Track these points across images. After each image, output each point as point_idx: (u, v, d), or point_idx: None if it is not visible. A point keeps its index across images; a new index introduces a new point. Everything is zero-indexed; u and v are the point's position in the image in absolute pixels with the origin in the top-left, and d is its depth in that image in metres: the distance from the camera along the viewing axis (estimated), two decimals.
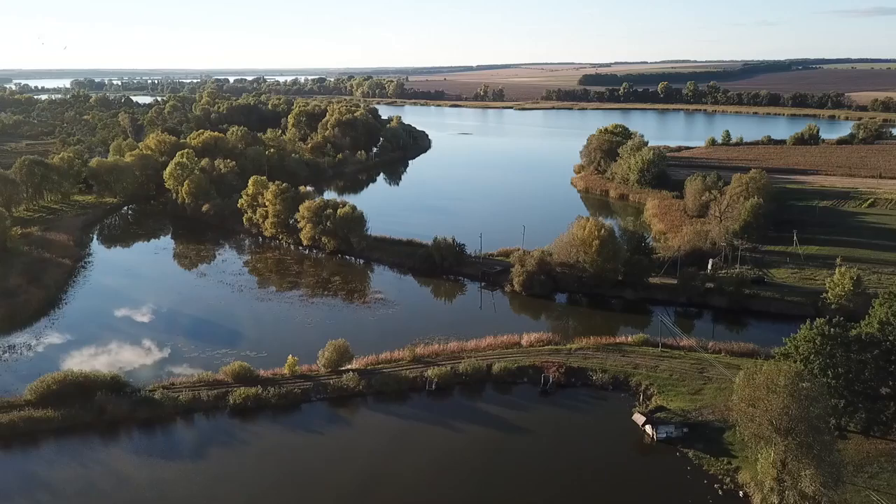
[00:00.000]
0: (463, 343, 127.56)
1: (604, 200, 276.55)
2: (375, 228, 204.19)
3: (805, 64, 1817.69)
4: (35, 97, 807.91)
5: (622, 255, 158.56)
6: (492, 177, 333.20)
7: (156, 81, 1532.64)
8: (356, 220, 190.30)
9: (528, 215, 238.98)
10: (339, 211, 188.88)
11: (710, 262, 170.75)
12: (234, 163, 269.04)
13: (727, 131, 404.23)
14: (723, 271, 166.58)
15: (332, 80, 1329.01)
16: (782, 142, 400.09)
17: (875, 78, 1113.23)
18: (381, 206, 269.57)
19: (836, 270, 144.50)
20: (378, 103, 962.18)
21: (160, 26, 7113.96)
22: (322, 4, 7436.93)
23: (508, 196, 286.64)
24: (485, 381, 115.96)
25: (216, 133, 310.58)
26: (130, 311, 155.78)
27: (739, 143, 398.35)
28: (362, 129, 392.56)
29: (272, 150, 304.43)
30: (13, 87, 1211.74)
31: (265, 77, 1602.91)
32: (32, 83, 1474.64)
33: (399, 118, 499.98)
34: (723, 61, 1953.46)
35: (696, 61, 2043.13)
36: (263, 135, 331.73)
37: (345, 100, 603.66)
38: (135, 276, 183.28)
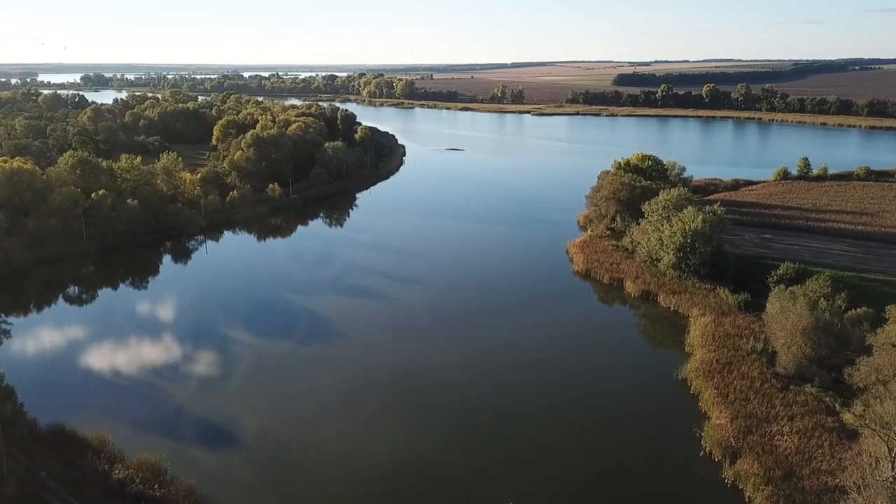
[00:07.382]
0: None
1: (616, 296, 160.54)
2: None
3: (861, 64, 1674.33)
4: None
5: None
6: (454, 236, 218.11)
7: (170, 76, 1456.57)
8: None
9: (467, 348, 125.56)
10: None
11: None
12: None
13: (805, 160, 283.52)
14: None
15: (343, 76, 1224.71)
16: (887, 175, 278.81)
17: None
18: (243, 296, 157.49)
19: None
20: (382, 104, 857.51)
21: (196, 27, 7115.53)
22: (356, 2, 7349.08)
23: (458, 285, 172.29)
24: None
25: (26, 163, 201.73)
26: None
27: (824, 176, 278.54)
28: (290, 150, 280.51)
29: (102, 191, 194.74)
30: (17, 82, 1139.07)
31: (279, 73, 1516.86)
32: (48, 78, 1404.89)
33: (367, 129, 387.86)
34: (770, 60, 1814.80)
35: (741, 60, 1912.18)
36: (115, 163, 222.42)
37: (291, 107, 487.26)
38: None
